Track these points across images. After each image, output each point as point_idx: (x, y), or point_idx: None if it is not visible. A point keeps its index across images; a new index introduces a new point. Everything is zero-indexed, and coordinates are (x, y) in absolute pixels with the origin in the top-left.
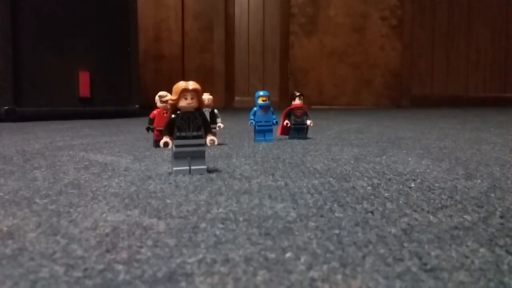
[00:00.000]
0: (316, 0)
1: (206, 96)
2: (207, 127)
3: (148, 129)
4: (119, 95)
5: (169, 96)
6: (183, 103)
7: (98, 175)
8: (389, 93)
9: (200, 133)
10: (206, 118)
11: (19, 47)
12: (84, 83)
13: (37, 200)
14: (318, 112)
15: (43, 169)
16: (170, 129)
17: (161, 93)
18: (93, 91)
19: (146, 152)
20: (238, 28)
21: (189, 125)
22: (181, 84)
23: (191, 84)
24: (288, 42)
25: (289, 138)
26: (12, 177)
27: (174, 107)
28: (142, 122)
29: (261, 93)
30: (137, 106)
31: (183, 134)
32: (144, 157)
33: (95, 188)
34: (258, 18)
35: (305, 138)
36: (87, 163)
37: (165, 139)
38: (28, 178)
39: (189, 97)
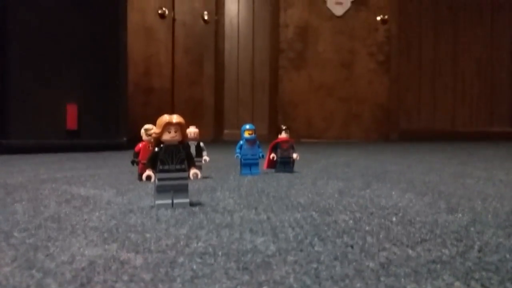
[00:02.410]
0: (305, 36)
1: (192, 130)
2: (191, 160)
3: (133, 162)
4: (107, 128)
5: (154, 130)
6: (166, 136)
7: (79, 209)
8: (378, 127)
9: (183, 166)
10: (189, 152)
11: (7, 79)
12: (71, 116)
13: (15, 233)
14: (307, 145)
15: (24, 202)
16: (153, 162)
17: (146, 126)
18: (81, 124)
19: (130, 186)
20: (228, 62)
21: (172, 158)
22: (165, 118)
23: (175, 118)
24: (277, 76)
25: (275, 172)
26: None
27: (158, 141)
28: (129, 155)
29: (247, 126)
30: (125, 139)
31: (166, 167)
32: (127, 190)
33: (75, 222)
34: (247, 53)
35: (291, 171)
36: (69, 196)
37: (148, 172)
38: (8, 211)
39: (172, 130)
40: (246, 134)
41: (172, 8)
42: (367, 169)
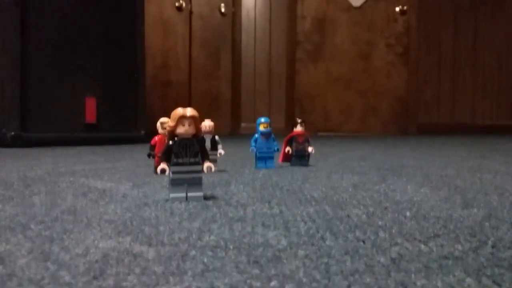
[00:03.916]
0: (322, 28)
1: (207, 123)
2: (205, 154)
3: (149, 155)
4: (126, 121)
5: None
6: (180, 129)
7: (95, 202)
8: (396, 120)
9: (197, 159)
10: (203, 145)
11: (27, 73)
12: (90, 109)
13: (32, 226)
14: (324, 139)
15: (42, 195)
16: (168, 155)
17: (162, 119)
18: (100, 117)
19: (146, 179)
20: (245, 55)
21: (186, 151)
22: (179, 111)
23: (189, 111)
24: (294, 68)
25: (290, 165)
26: (11, 203)
27: (172, 134)
28: (146, 148)
29: (262, 119)
30: (143, 132)
31: (180, 160)
32: (143, 183)
33: (90, 215)
34: (264, 45)
35: (307, 165)
36: (86, 189)
37: (162, 165)
38: (26, 204)
39: (186, 123)
40: (261, 128)
41: (189, 0)
42: (384, 163)
